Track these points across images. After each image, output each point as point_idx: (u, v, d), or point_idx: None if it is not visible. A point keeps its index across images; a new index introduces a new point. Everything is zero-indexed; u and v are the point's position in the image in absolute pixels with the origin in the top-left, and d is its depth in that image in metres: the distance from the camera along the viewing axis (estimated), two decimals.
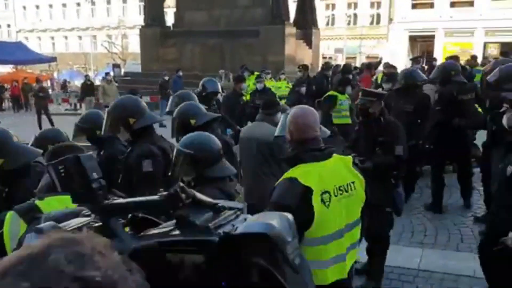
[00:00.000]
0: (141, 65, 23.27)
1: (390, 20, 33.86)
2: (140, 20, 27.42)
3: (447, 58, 15.01)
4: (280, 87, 11.56)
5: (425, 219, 5.78)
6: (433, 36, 32.15)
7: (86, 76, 21.45)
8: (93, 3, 44.02)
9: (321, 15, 31.60)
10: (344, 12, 35.12)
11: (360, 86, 10.14)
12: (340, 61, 29.74)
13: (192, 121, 3.65)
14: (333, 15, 36.36)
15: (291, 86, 10.83)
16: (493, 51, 28.72)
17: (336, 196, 2.18)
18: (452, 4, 31.37)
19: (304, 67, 11.14)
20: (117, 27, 42.41)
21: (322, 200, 2.13)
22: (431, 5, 32.04)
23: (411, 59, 15.22)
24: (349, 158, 2.38)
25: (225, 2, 19.60)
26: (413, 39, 33.40)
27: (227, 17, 19.88)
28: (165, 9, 24.36)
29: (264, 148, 4.12)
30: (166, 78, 16.12)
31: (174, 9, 22.82)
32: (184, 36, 20.65)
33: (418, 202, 6.34)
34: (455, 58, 13.07)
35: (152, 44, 21.72)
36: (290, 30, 19.89)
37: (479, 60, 14.58)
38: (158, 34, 21.54)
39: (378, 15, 34.92)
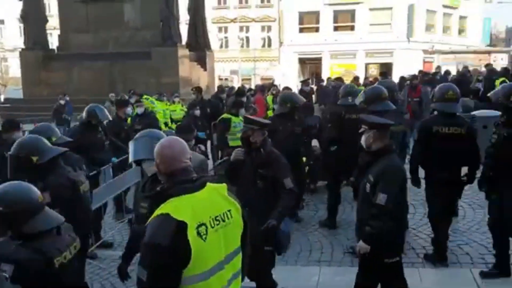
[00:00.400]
0: (23, 90, 21.68)
1: (281, 43, 35.40)
2: (20, 42, 25.45)
3: (327, 79, 16.11)
4: (175, 110, 11.30)
5: (321, 236, 5.87)
6: (320, 59, 34.21)
7: None
8: None
9: (215, 37, 32.04)
10: (236, 35, 35.95)
11: (254, 108, 10.31)
12: (236, 82, 30.33)
13: (34, 158, 3.29)
14: (226, 37, 37.06)
15: (186, 109, 10.63)
16: (374, 71, 31.34)
17: (212, 227, 2.05)
18: (336, 28, 33.76)
19: (198, 90, 10.96)
20: None
21: (198, 233, 1.98)
22: (317, 29, 34.16)
23: (301, 82, 15.91)
24: (224, 185, 2.25)
25: (112, 24, 19.11)
26: (302, 61, 35.24)
27: (115, 39, 19.39)
28: (48, 31, 22.96)
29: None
30: (62, 102, 15.30)
31: (59, 32, 21.62)
32: (70, 59, 19.76)
33: (314, 220, 6.43)
34: (339, 79, 13.97)
35: (34, 68, 20.46)
36: (183, 52, 19.84)
37: (361, 80, 15.72)
38: (40, 58, 20.45)
39: (269, 38, 36.31)
